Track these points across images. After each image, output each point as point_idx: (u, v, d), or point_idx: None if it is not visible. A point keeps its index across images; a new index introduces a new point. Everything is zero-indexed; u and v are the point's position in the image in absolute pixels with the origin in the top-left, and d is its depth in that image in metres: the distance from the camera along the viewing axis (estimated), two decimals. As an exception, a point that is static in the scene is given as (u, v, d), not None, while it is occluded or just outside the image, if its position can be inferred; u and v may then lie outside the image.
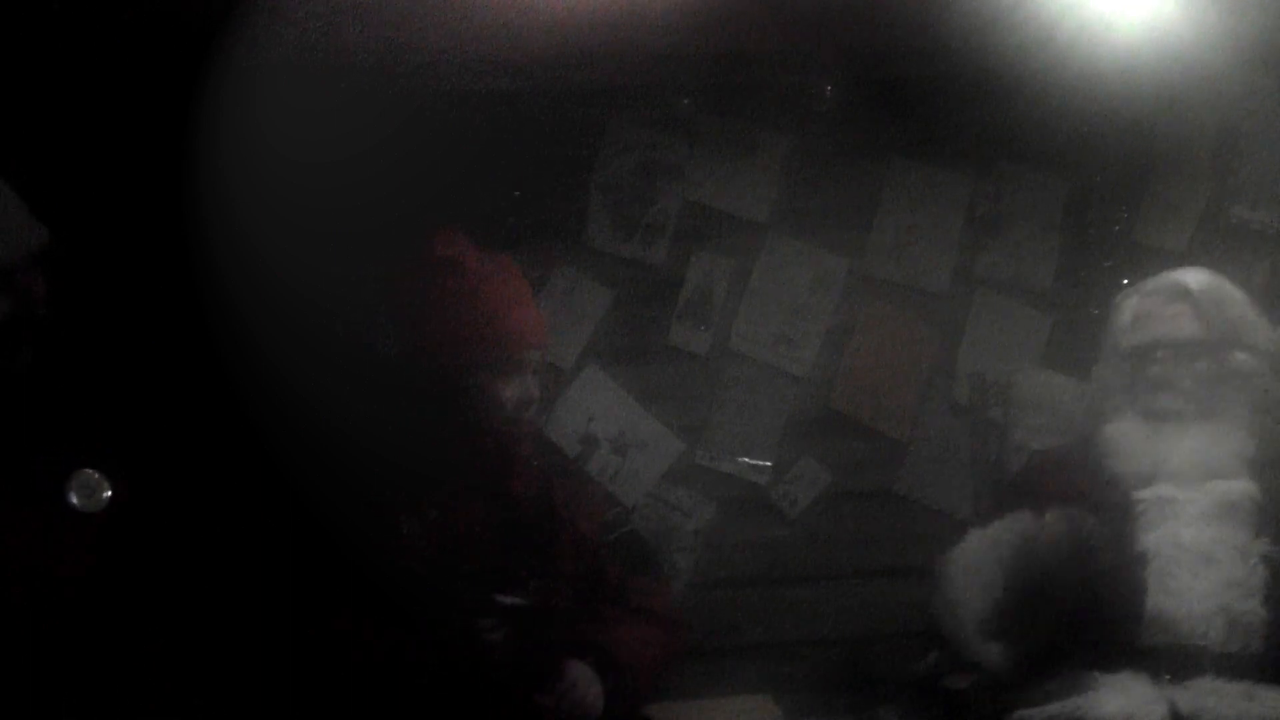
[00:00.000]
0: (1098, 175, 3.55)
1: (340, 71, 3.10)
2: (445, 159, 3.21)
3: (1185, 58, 3.27)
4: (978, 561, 2.73)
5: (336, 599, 2.56)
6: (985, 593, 2.69)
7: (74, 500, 2.40)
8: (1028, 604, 2.66)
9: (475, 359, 2.69)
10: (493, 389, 2.70)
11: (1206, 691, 2.52)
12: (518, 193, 3.32)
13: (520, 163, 3.32)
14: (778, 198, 3.45)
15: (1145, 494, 2.67)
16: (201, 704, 2.46)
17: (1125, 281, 3.10)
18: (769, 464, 3.47)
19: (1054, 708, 2.56)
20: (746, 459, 3.46)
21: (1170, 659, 2.57)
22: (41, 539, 2.39)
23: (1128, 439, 2.74)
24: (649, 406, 3.41)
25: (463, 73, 3.21)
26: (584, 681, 2.63)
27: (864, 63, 3.41)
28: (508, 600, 2.64)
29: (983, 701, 2.74)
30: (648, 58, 3.28)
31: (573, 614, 2.69)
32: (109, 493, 2.40)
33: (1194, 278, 2.84)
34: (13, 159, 2.47)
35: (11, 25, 2.86)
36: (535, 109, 3.31)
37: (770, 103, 3.42)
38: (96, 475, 2.40)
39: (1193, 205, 3.54)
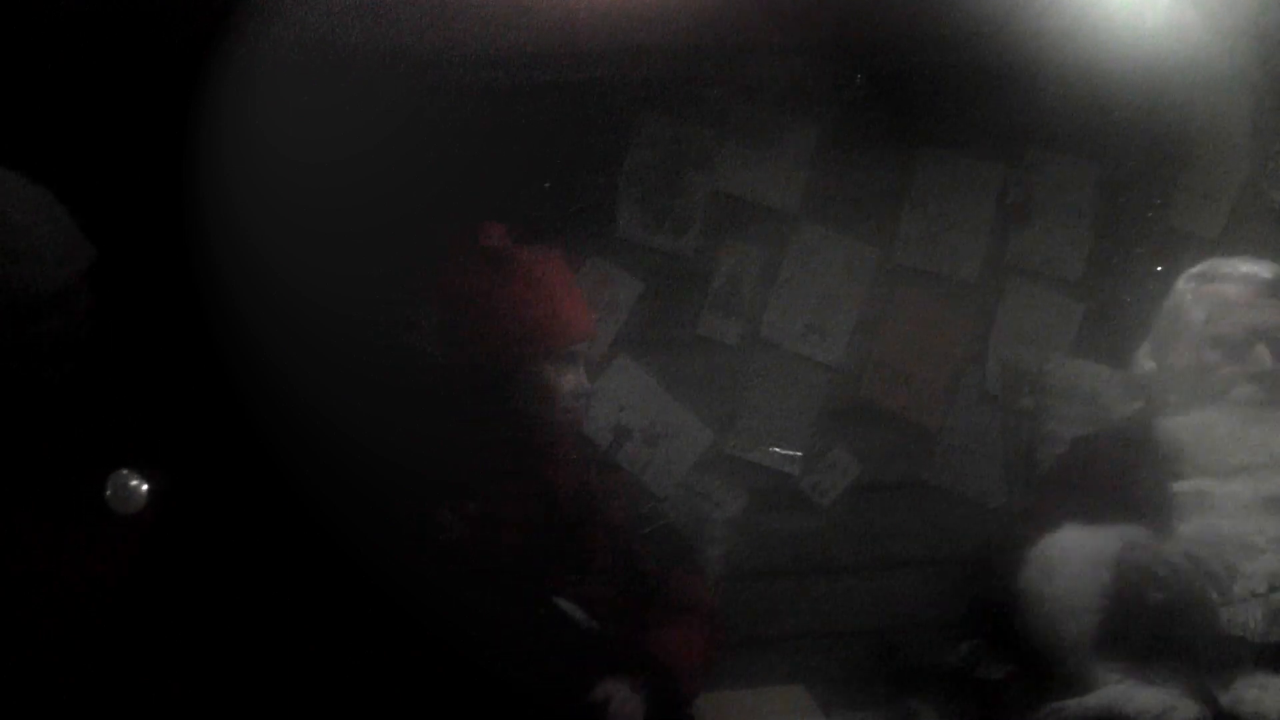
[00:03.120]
0: (1130, 161, 3.52)
1: (365, 67, 3.10)
2: (475, 153, 3.20)
3: (1217, 40, 3.24)
4: (1081, 572, 2.63)
5: (370, 602, 2.55)
6: (1091, 605, 2.60)
7: (110, 503, 2.41)
8: (1135, 622, 2.59)
9: (532, 351, 2.68)
10: (549, 381, 2.70)
11: (1249, 684, 2.50)
12: (547, 184, 3.32)
13: (550, 155, 3.31)
14: (807, 187, 3.43)
15: (1185, 486, 2.65)
16: (229, 706, 2.47)
17: (1159, 268, 3.07)
18: (799, 454, 3.46)
19: (1090, 699, 2.54)
20: (777, 449, 3.45)
21: (1209, 651, 2.55)
22: (78, 543, 2.40)
23: (1205, 429, 2.69)
24: (679, 397, 3.41)
25: (490, 66, 3.21)
26: (626, 704, 2.61)
27: (893, 51, 3.40)
28: (569, 609, 2.64)
29: (1017, 693, 2.72)
30: (675, 50, 3.27)
31: (614, 615, 2.67)
32: (145, 495, 2.41)
33: None
34: (55, 172, 2.49)
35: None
36: (564, 101, 3.30)
37: (799, 93, 3.41)
38: (133, 477, 2.41)
39: (1227, 190, 3.51)
